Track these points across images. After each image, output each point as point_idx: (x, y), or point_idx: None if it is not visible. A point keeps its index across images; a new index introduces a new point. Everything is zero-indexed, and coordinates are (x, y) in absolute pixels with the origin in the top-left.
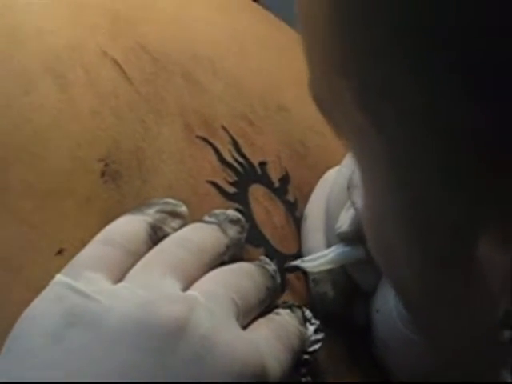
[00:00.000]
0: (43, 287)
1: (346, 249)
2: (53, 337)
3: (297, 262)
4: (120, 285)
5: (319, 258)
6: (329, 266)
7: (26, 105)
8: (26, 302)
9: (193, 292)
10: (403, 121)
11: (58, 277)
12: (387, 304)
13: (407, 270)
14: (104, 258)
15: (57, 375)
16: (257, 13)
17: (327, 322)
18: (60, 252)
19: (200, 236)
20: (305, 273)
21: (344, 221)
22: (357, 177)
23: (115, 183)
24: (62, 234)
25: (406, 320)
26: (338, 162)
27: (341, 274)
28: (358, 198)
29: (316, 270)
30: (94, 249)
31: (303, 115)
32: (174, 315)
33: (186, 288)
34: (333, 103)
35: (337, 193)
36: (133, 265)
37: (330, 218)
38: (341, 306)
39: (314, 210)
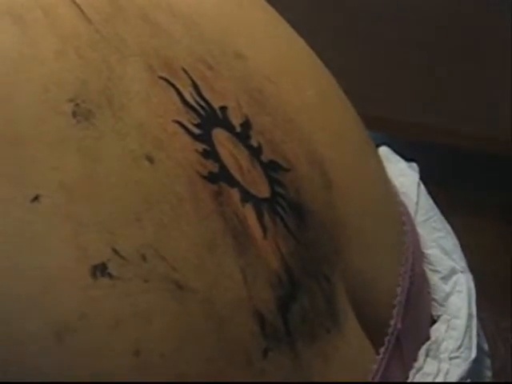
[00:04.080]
0: (22, 238)
1: None
2: None
3: None
4: None
5: None
6: None
7: None
8: (4, 253)
9: None
10: None
11: None
12: None
13: None
14: None
15: None
16: None
17: None
18: (36, 198)
19: None
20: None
21: None
22: None
23: (89, 121)
24: (35, 179)
25: None
26: (294, 113)
27: None
28: None
29: None
30: None
31: (260, 64)
32: None
33: None
34: None
35: None
36: None
37: None
38: None
39: None
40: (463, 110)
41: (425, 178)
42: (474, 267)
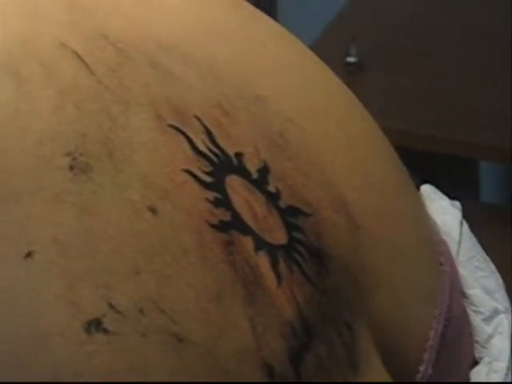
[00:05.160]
0: (14, 295)
1: None
2: None
3: None
4: None
5: None
6: None
7: None
8: None
9: None
10: None
11: None
12: None
13: None
14: None
15: None
16: (227, 1)
17: None
18: (29, 255)
19: None
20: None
21: None
22: None
23: (87, 175)
24: (29, 235)
25: None
26: (318, 156)
27: None
28: None
29: None
30: None
31: (282, 107)
32: None
33: None
34: None
35: None
36: None
37: None
38: None
39: None
40: None
41: None
42: None
